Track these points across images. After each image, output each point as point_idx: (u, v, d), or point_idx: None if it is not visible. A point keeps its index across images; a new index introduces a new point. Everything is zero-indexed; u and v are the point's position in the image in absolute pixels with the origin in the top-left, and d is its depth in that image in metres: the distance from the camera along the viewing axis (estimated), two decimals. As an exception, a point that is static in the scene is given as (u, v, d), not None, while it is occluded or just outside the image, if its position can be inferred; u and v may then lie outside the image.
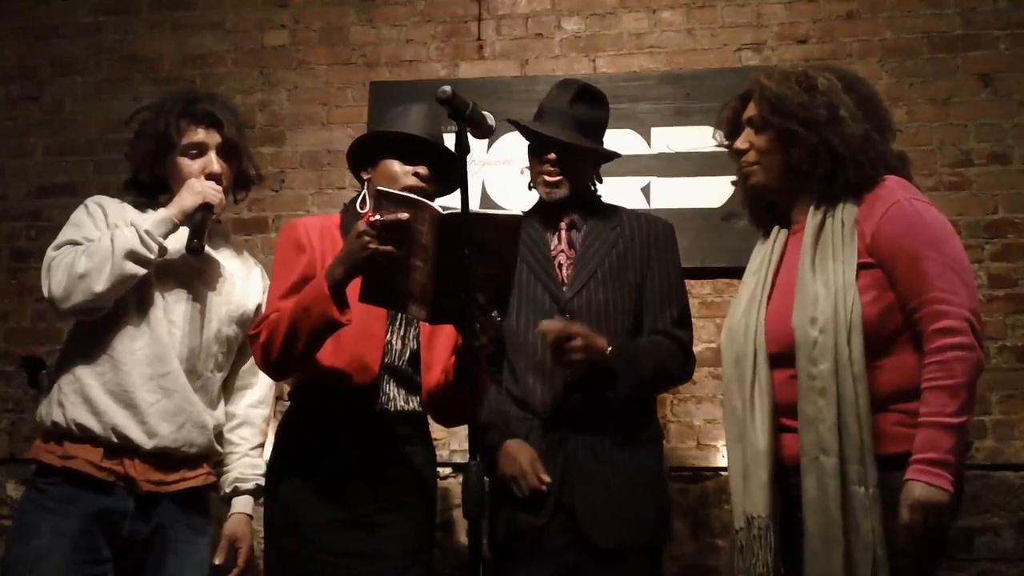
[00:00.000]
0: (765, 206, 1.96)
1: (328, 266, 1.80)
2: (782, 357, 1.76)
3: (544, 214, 2.27)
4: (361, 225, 1.71)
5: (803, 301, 1.73)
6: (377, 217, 1.69)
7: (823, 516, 1.65)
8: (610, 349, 2.07)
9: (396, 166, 2.00)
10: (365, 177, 2.07)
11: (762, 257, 1.92)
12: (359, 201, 2.04)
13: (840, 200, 1.78)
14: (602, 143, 2.30)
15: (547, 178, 2.22)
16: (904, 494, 1.60)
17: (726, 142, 1.98)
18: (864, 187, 1.77)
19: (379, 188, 1.77)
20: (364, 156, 2.08)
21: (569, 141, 2.19)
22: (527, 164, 2.31)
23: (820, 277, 1.73)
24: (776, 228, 1.93)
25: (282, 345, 1.84)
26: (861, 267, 1.72)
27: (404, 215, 1.68)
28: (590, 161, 2.29)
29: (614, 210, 2.31)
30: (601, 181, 2.34)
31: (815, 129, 1.77)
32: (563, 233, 2.25)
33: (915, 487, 1.60)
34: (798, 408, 1.71)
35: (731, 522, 1.85)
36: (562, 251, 2.24)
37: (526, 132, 2.26)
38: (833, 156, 1.76)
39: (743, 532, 1.77)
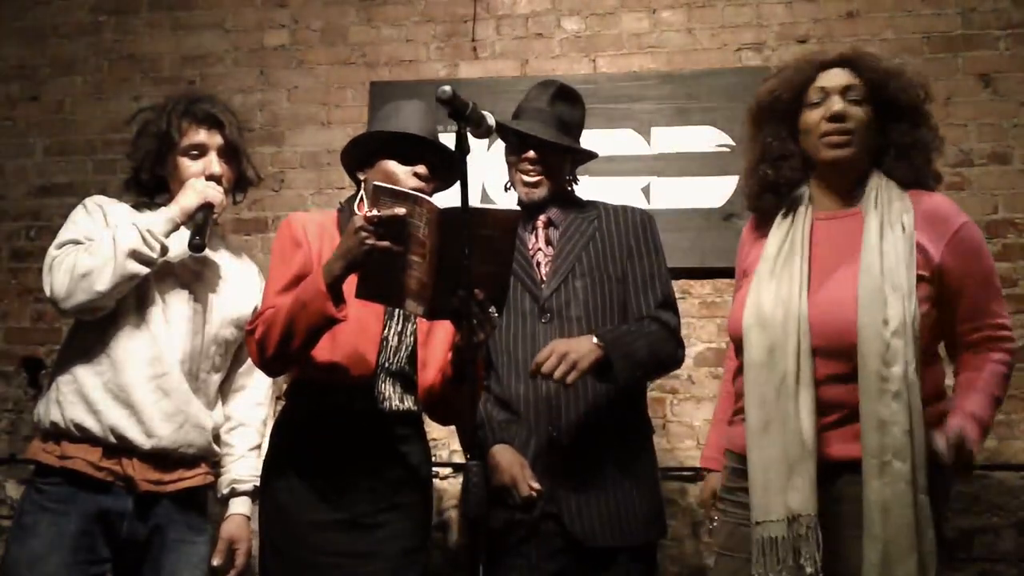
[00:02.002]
0: (775, 195, 1.91)
1: (326, 261, 1.79)
2: (830, 352, 1.73)
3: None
4: (358, 220, 1.70)
5: (872, 301, 1.70)
6: (374, 212, 1.68)
7: (898, 522, 1.63)
8: (598, 342, 2.01)
9: (395, 166, 1.99)
10: (362, 178, 2.05)
11: (781, 242, 1.86)
12: (356, 203, 2.04)
13: (886, 198, 1.80)
14: (579, 144, 2.27)
15: (526, 178, 2.19)
16: (950, 427, 1.67)
17: (785, 96, 1.90)
18: (910, 187, 1.81)
19: (376, 183, 1.75)
20: (360, 157, 2.07)
21: (551, 139, 2.16)
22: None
23: (888, 280, 1.71)
24: (792, 215, 1.87)
25: (278, 341, 1.83)
26: (918, 279, 1.73)
27: (401, 210, 1.67)
28: (569, 161, 2.26)
29: (591, 204, 2.27)
30: (577, 182, 2.31)
31: (908, 117, 1.81)
32: (540, 231, 2.21)
33: (961, 425, 1.67)
34: (863, 410, 1.68)
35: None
36: (540, 249, 2.20)
37: (505, 131, 2.22)
38: (917, 147, 1.81)
39: (777, 525, 1.70)
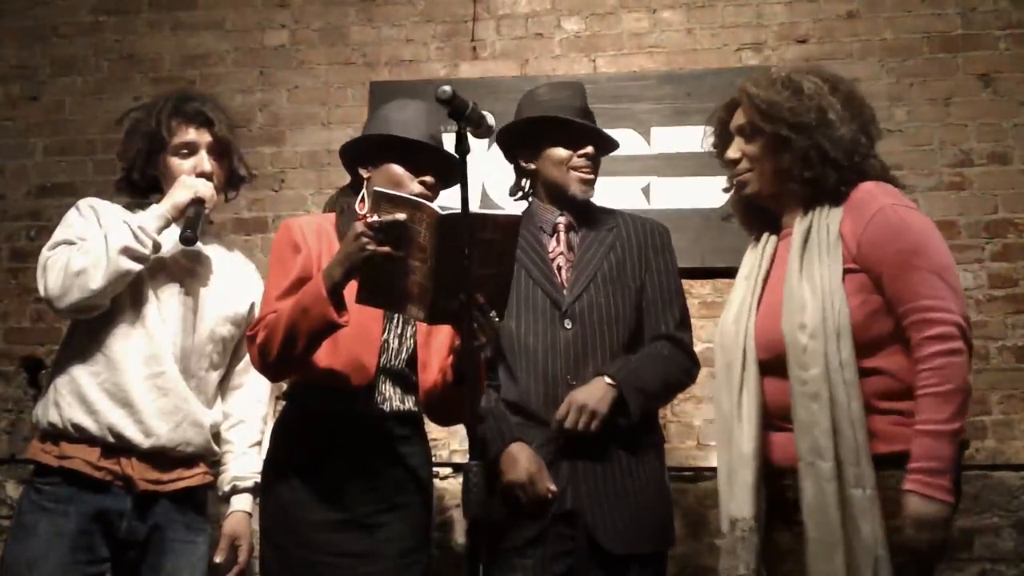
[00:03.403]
0: (756, 212, 1.95)
1: (326, 267, 1.79)
2: (773, 365, 1.76)
3: (540, 217, 2.24)
4: (359, 226, 1.70)
5: (791, 307, 1.73)
6: (375, 218, 1.69)
7: (822, 520, 1.65)
8: (610, 383, 2.05)
9: (402, 172, 1.99)
10: (364, 175, 2.05)
11: (752, 263, 1.92)
12: (357, 202, 2.03)
13: (825, 205, 1.79)
14: None
15: (585, 175, 2.20)
16: (907, 509, 1.61)
17: (715, 151, 1.98)
18: (845, 190, 1.77)
19: (376, 189, 1.76)
20: (363, 154, 2.06)
21: (610, 137, 2.21)
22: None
23: (807, 283, 1.73)
24: (766, 234, 1.93)
25: (280, 346, 1.83)
26: (847, 272, 1.72)
27: (402, 216, 1.67)
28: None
29: (609, 212, 2.30)
30: None
31: (806, 133, 1.77)
32: (562, 235, 2.22)
33: (916, 503, 1.60)
34: (793, 414, 1.71)
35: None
36: (561, 254, 2.21)
37: (548, 125, 2.18)
38: (824, 159, 1.76)
39: (728, 534, 1.78)
